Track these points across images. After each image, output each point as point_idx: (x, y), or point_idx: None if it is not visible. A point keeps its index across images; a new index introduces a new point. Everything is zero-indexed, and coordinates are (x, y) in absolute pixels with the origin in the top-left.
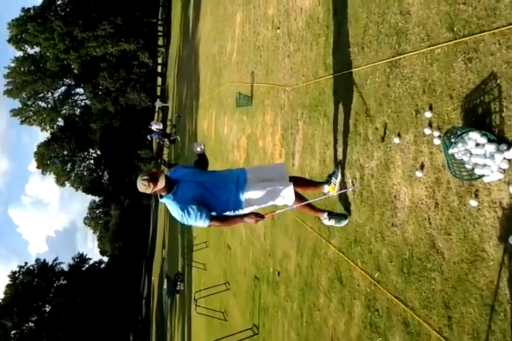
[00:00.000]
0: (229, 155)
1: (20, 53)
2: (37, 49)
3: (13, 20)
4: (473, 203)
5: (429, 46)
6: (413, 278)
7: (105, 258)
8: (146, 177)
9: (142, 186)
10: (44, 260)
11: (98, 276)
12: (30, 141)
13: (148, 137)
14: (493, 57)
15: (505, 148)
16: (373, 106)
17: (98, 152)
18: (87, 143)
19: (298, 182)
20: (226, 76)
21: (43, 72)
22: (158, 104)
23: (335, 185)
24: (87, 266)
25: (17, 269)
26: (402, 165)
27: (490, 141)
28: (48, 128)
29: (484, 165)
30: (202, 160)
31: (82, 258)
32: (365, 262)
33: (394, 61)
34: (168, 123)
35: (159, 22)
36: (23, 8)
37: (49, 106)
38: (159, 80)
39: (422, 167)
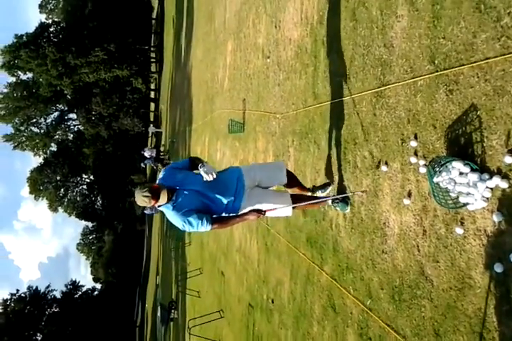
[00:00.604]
0: None
1: (13, 79)
2: (30, 75)
3: (5, 46)
4: (459, 231)
5: (413, 78)
6: (404, 305)
7: (98, 285)
8: (147, 194)
9: (142, 201)
10: (36, 287)
11: (91, 304)
12: (22, 166)
13: (142, 164)
14: (472, 89)
15: (487, 177)
16: (361, 135)
17: (91, 177)
18: (80, 168)
19: (292, 181)
20: (218, 102)
21: (35, 98)
22: (151, 129)
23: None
24: (79, 293)
25: (8, 297)
26: (390, 193)
27: (473, 170)
28: (40, 153)
29: (468, 194)
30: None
31: (74, 285)
32: (357, 289)
33: (379, 91)
34: (162, 148)
35: (152, 48)
36: (15, 35)
37: (42, 131)
38: (152, 106)
39: (409, 195)
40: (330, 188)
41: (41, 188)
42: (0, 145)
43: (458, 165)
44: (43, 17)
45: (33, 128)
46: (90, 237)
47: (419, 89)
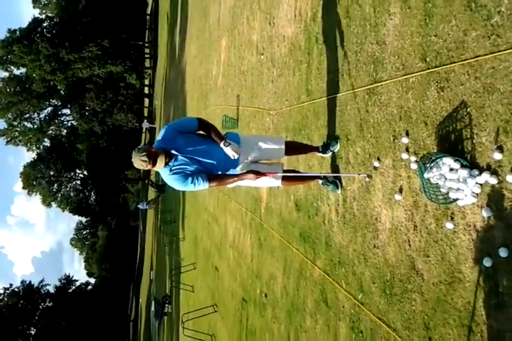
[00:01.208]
0: None
1: (6, 74)
2: (23, 70)
3: None
4: (450, 226)
5: (404, 75)
6: (395, 299)
7: (92, 280)
8: (144, 158)
9: (139, 164)
10: (30, 282)
11: (85, 298)
12: (15, 161)
13: None
14: (463, 86)
15: (476, 173)
16: (354, 131)
17: (85, 172)
18: (74, 163)
19: (291, 148)
20: (212, 99)
21: (29, 93)
22: (145, 124)
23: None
24: (73, 287)
25: (2, 291)
26: (382, 189)
27: (463, 166)
28: (34, 148)
29: (458, 190)
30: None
31: (68, 280)
32: (349, 283)
33: (372, 88)
34: None
35: (146, 44)
36: (8, 30)
37: (35, 126)
38: (146, 101)
39: (400, 190)
40: (338, 145)
41: (34, 183)
42: None
43: (448, 161)
44: (36, 12)
45: (26, 123)
46: (84, 232)
47: (411, 86)
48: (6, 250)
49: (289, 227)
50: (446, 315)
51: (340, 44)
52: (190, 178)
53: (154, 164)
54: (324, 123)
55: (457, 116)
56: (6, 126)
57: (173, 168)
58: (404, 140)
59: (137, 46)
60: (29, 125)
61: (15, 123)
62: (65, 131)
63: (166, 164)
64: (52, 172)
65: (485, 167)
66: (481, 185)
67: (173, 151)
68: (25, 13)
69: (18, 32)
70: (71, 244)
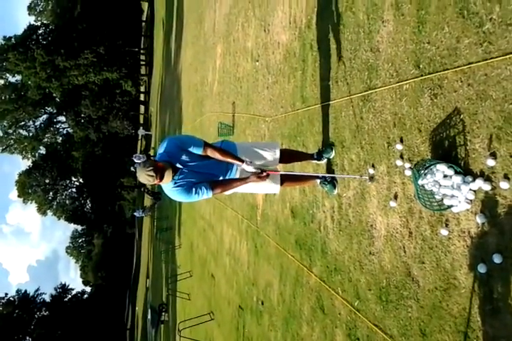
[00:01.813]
0: None
1: (1, 81)
2: (18, 77)
3: None
4: (444, 232)
5: (398, 82)
6: (391, 306)
7: (88, 289)
8: (151, 173)
9: (145, 179)
10: (25, 291)
11: (81, 307)
12: (11, 169)
13: (132, 168)
14: (456, 93)
15: (470, 179)
16: (348, 138)
17: (80, 180)
18: (69, 171)
19: (286, 156)
20: (208, 105)
21: (24, 101)
22: (141, 131)
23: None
24: (69, 296)
25: None
26: (377, 195)
27: (456, 172)
28: (29, 156)
29: (452, 196)
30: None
31: (64, 289)
32: (346, 290)
33: (366, 95)
34: (152, 152)
35: (142, 51)
36: (4, 37)
37: (30, 134)
38: (142, 108)
39: (395, 197)
40: (333, 152)
41: (30, 191)
42: None
43: (442, 168)
44: (31, 19)
45: (21, 131)
46: (80, 240)
47: (405, 93)
48: (1, 259)
49: (285, 234)
50: (441, 321)
51: (335, 51)
52: (193, 189)
53: (161, 178)
54: (319, 130)
55: (450, 122)
56: (1, 134)
57: (178, 181)
58: (399, 146)
59: (133, 53)
60: (24, 133)
61: (10, 131)
62: (61, 138)
63: (172, 178)
64: (47, 180)
65: (478, 173)
66: (474, 191)
67: (178, 165)
68: (21, 20)
69: (13, 39)
70: (67, 252)
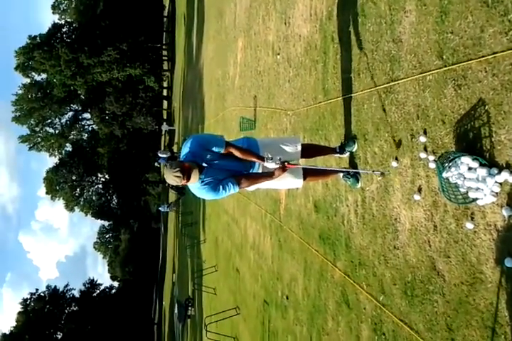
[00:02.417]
0: None
1: (27, 80)
2: (43, 76)
3: (19, 48)
4: (470, 226)
5: (421, 73)
6: (416, 300)
7: (116, 284)
8: (178, 174)
9: (173, 180)
10: (55, 286)
11: (109, 302)
12: (38, 166)
13: (157, 163)
14: (480, 84)
15: (496, 172)
16: (371, 131)
17: (106, 176)
18: (95, 167)
19: (308, 151)
20: (230, 100)
21: (50, 99)
22: (164, 127)
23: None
24: (97, 291)
25: (28, 296)
26: (400, 189)
27: (481, 165)
28: (56, 153)
29: (477, 189)
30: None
31: (92, 284)
32: (370, 285)
33: (389, 87)
34: (175, 147)
35: (164, 47)
36: (29, 36)
37: (57, 131)
38: (165, 104)
39: (419, 190)
40: (356, 145)
41: (57, 188)
42: (16, 147)
43: (467, 161)
44: (55, 18)
45: (48, 128)
46: (107, 236)
47: (428, 84)
48: (31, 255)
49: (309, 229)
50: (468, 316)
51: (356, 43)
52: (220, 186)
53: (188, 179)
54: (341, 123)
55: (475, 114)
56: (29, 132)
57: (204, 180)
58: (422, 139)
59: (155, 49)
60: (51, 130)
61: (37, 129)
62: (86, 135)
63: (199, 177)
64: (74, 177)
65: (504, 165)
66: (500, 183)
67: (204, 164)
68: (45, 19)
69: (38, 38)
70: (94, 247)
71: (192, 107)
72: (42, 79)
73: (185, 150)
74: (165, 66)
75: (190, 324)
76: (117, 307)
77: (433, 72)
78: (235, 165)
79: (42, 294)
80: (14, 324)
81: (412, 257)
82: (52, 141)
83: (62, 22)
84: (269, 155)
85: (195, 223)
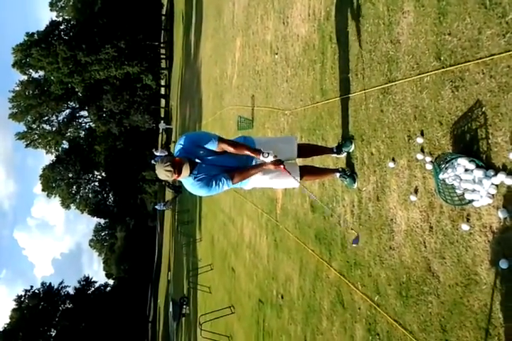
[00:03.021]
0: None
1: (24, 77)
2: (41, 73)
3: (17, 45)
4: (465, 227)
5: (419, 74)
6: (411, 301)
7: (111, 281)
8: (169, 168)
9: (164, 175)
10: (50, 283)
11: (104, 299)
12: (35, 163)
13: (153, 161)
14: (477, 85)
15: (492, 173)
16: (368, 131)
17: (103, 174)
18: (92, 165)
19: (305, 151)
20: (227, 99)
21: (47, 96)
22: (162, 125)
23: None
24: (92, 289)
25: (23, 293)
26: (397, 189)
27: (478, 166)
28: (52, 151)
29: (473, 191)
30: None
31: (87, 281)
32: (365, 285)
33: (386, 88)
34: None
35: (162, 45)
36: (27, 33)
37: (54, 129)
38: (163, 102)
39: (416, 191)
40: (353, 146)
41: (53, 185)
42: (13, 144)
43: (463, 162)
44: (53, 15)
45: (45, 125)
46: (102, 234)
47: (426, 85)
48: (27, 252)
49: (305, 228)
50: (462, 317)
51: (354, 43)
52: (213, 181)
53: (180, 173)
54: (339, 123)
55: (472, 115)
56: (26, 129)
57: (197, 175)
58: (419, 140)
59: (153, 47)
60: (48, 127)
61: (34, 126)
62: (83, 133)
63: (191, 172)
64: (71, 175)
65: (501, 167)
66: (496, 185)
67: (196, 160)
68: (43, 17)
69: (35, 35)
70: (90, 245)
71: (190, 106)
72: (39, 76)
73: (178, 147)
74: (163, 64)
75: (185, 322)
76: (112, 305)
77: (430, 73)
78: (230, 161)
79: (36, 291)
80: (8, 321)
81: (407, 258)
82: (49, 138)
83: (60, 19)
84: (266, 151)
85: (191, 221)
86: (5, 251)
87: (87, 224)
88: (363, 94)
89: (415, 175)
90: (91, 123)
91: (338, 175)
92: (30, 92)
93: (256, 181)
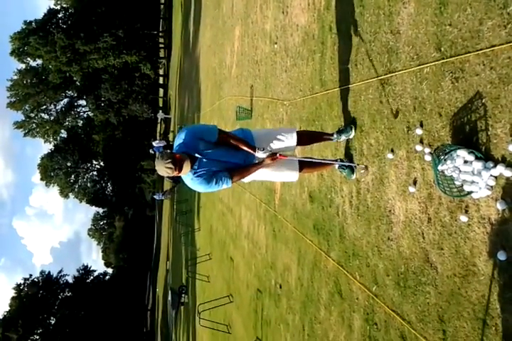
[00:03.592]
0: None
1: (22, 66)
2: (39, 61)
3: (15, 33)
4: (464, 218)
5: (419, 65)
6: (409, 291)
7: (110, 270)
8: (170, 165)
9: (164, 172)
10: (49, 272)
11: (103, 288)
12: (33, 152)
13: (151, 151)
14: (478, 77)
15: (491, 165)
16: (367, 122)
17: (101, 163)
18: (90, 154)
19: (304, 138)
20: (226, 89)
21: (45, 85)
22: (160, 115)
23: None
24: (91, 277)
25: (22, 281)
26: (396, 181)
27: (477, 158)
28: (51, 140)
29: (472, 182)
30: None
31: (86, 270)
32: (363, 275)
33: (386, 78)
34: (171, 135)
35: (160, 34)
36: (24, 21)
37: (52, 118)
38: (161, 92)
39: (414, 182)
40: (353, 132)
41: (52, 175)
42: (11, 133)
43: (462, 153)
44: (51, 3)
45: (43, 115)
46: (101, 223)
47: (425, 76)
48: (26, 241)
49: (303, 219)
50: (460, 307)
51: (354, 33)
52: (213, 178)
53: (180, 170)
54: (338, 114)
55: (472, 107)
56: (24, 118)
57: (197, 171)
58: (419, 131)
59: (151, 36)
60: (46, 116)
61: (32, 115)
62: (81, 122)
63: (191, 168)
64: (69, 164)
65: (500, 159)
66: (495, 177)
67: (196, 155)
68: (41, 5)
69: (33, 23)
70: (89, 234)
71: (188, 95)
72: (37, 64)
73: (178, 141)
74: (161, 53)
75: (184, 311)
76: (111, 294)
77: (431, 64)
78: (230, 155)
79: (36, 279)
80: (7, 309)
81: (405, 249)
82: (48, 127)
83: (58, 7)
84: (261, 147)
85: (189, 211)
86: (4, 240)
87: (85, 213)
88: (362, 85)
89: (414, 166)
90: (89, 113)
91: (336, 166)
92: (28, 81)
93: (255, 174)
